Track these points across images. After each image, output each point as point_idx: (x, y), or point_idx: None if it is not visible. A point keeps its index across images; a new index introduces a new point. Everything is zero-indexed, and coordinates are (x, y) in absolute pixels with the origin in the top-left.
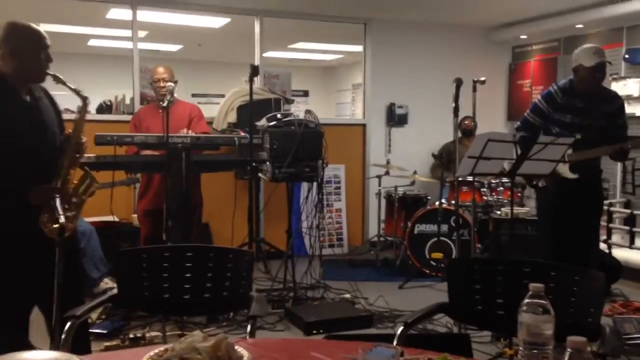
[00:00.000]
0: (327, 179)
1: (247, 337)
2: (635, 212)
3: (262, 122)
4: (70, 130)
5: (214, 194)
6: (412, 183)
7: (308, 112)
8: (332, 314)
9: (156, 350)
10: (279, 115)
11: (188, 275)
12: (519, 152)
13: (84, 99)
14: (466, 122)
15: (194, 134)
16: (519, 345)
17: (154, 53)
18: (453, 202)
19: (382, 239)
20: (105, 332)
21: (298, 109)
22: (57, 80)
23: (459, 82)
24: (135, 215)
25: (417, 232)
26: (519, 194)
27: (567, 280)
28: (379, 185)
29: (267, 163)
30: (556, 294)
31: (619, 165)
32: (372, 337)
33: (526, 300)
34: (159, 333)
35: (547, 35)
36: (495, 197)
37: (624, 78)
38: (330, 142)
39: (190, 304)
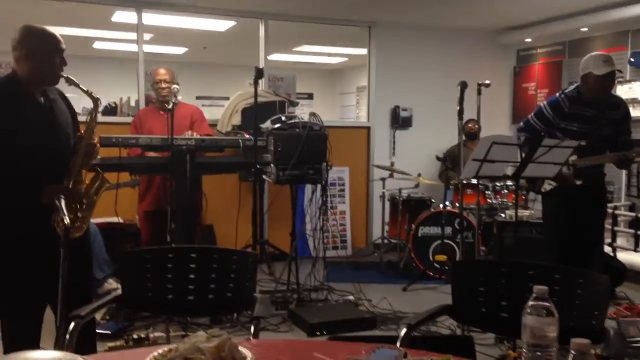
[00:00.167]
0: (331, 181)
1: (251, 338)
2: None
3: (267, 125)
4: (81, 131)
5: (218, 196)
6: (416, 186)
7: (312, 114)
8: (336, 316)
9: (160, 351)
10: (283, 118)
11: (192, 276)
12: (524, 155)
13: (96, 101)
14: (470, 125)
15: (198, 136)
16: (523, 347)
17: (159, 56)
18: (457, 204)
19: (386, 241)
20: (108, 332)
21: (302, 112)
22: (70, 82)
23: (463, 85)
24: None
25: (421, 234)
26: (524, 197)
27: (572, 282)
28: (383, 188)
29: (272, 165)
30: (560, 296)
31: None
32: (376, 338)
33: (530, 303)
34: (162, 334)
35: (552, 38)
36: (500, 199)
37: (629, 81)
38: (334, 145)
39: (195, 305)
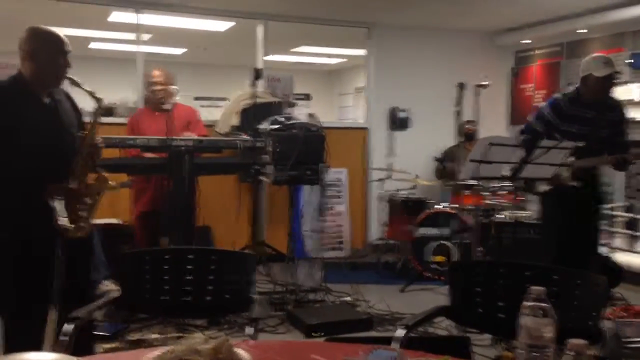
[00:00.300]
0: (329, 182)
1: (249, 340)
2: (637, 216)
3: (265, 126)
4: (85, 132)
5: (216, 197)
6: (414, 187)
7: (310, 115)
8: (333, 317)
9: (157, 352)
10: (281, 119)
11: (190, 277)
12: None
13: (99, 101)
14: (467, 126)
15: (196, 137)
16: (518, 347)
17: (157, 56)
18: (455, 205)
19: (383, 242)
20: (105, 334)
21: (300, 113)
22: (73, 82)
23: (462, 87)
24: None
25: (419, 235)
26: (521, 198)
27: (569, 283)
28: (381, 189)
29: (270, 166)
30: (557, 297)
31: None
32: (373, 339)
33: (527, 303)
34: (159, 335)
35: (550, 39)
36: (497, 200)
37: (626, 83)
38: (332, 146)
39: (192, 306)
